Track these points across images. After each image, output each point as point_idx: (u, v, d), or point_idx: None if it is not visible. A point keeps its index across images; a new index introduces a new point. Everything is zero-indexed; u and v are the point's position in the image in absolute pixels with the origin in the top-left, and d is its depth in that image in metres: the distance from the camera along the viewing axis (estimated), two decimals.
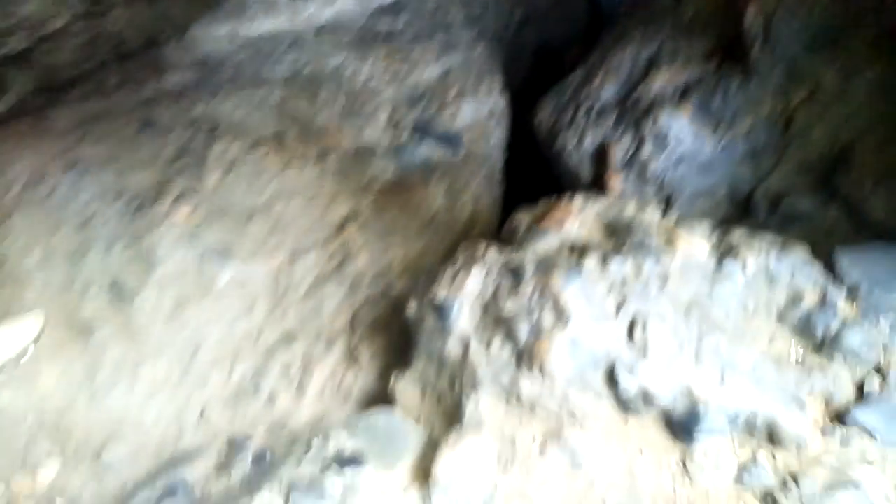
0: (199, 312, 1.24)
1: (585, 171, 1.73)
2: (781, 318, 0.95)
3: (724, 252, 0.97)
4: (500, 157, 1.83)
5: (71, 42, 1.25)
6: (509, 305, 0.92)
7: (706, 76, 1.59)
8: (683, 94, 1.58)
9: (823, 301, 0.95)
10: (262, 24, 2.01)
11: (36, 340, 1.18)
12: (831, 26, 1.40)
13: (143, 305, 1.22)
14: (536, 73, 2.69)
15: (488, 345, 0.93)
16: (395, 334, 1.16)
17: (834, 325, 0.92)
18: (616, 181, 1.61)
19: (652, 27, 1.74)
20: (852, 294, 0.97)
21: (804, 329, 0.94)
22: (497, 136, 1.86)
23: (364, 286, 1.30)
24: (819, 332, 0.93)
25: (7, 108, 1.31)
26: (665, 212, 1.08)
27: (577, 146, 1.73)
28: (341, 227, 1.39)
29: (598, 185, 1.68)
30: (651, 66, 1.66)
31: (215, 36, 1.94)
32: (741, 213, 1.51)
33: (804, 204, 1.36)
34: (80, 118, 1.54)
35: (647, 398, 0.88)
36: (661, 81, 1.62)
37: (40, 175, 1.36)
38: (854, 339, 0.91)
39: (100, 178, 1.37)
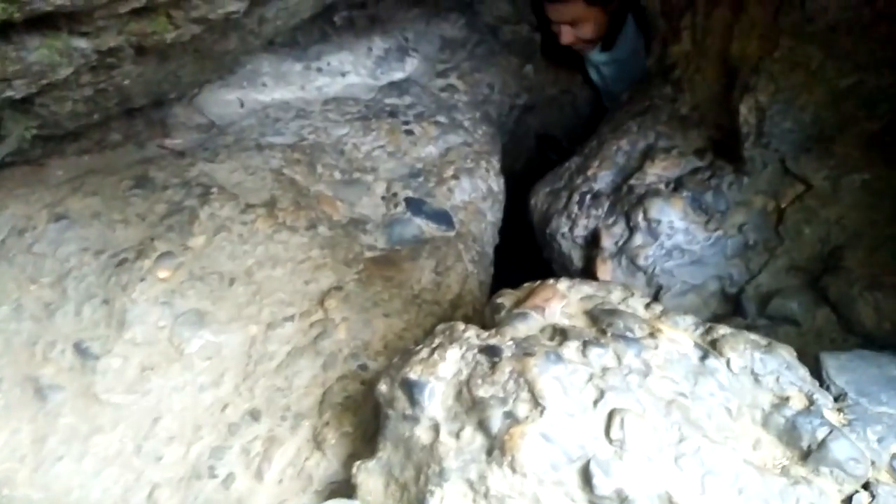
0: (164, 381, 1.20)
1: (577, 257, 1.73)
2: (766, 422, 0.91)
3: (708, 348, 0.94)
4: (492, 239, 1.83)
5: (76, 93, 1.26)
6: (483, 391, 0.88)
7: (700, 170, 1.60)
8: (677, 186, 1.59)
9: (810, 407, 0.91)
10: (273, 93, 2.06)
11: None
12: (823, 127, 1.42)
13: (107, 370, 1.18)
14: (537, 158, 2.74)
15: (459, 433, 0.88)
16: (366, 416, 1.11)
17: (820, 434, 0.88)
18: (605, 269, 1.60)
19: (648, 118, 1.77)
20: (839, 402, 0.93)
21: (790, 436, 0.90)
22: (491, 218, 1.87)
23: (339, 362, 1.26)
24: (805, 441, 0.88)
25: (4, 155, 1.31)
26: (652, 303, 1.05)
27: (570, 232, 1.73)
28: (323, 298, 1.36)
29: (588, 271, 1.67)
30: (646, 157, 1.68)
31: (225, 100, 1.98)
32: (731, 310, 1.48)
33: (793, 305, 1.34)
34: (76, 170, 1.55)
35: (623, 502, 0.83)
36: (655, 172, 1.63)
37: (25, 226, 1.35)
38: (841, 450, 0.87)
39: (85, 233, 1.36)
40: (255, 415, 1.18)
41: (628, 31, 2.29)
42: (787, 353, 0.96)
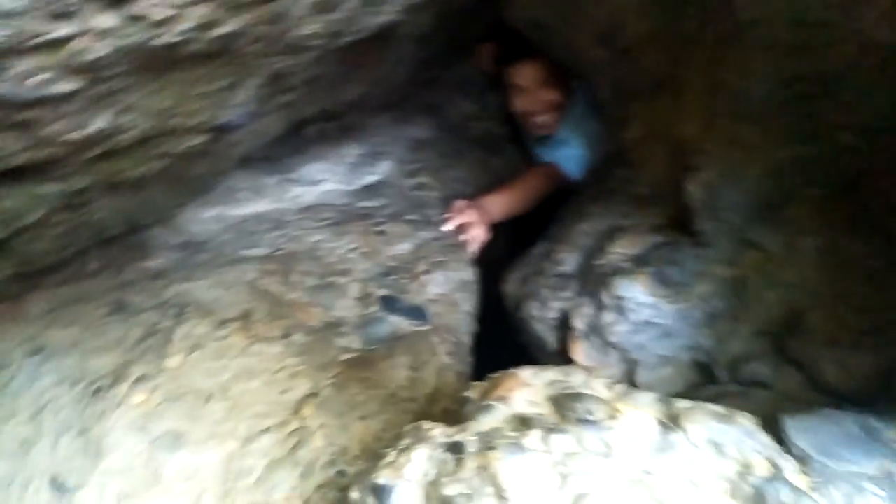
0: None
1: (551, 340, 1.75)
2: (734, 492, 0.91)
3: (669, 423, 0.95)
4: (468, 329, 1.85)
5: (50, 231, 1.31)
6: (450, 489, 0.89)
7: (661, 245, 1.66)
8: (640, 262, 1.64)
9: (774, 473, 0.91)
10: (249, 206, 2.13)
11: None
12: (770, 197, 1.48)
13: (84, 502, 1.17)
14: (515, 246, 2.81)
15: None
16: None
17: (787, 500, 0.88)
18: (579, 349, 1.62)
19: (609, 200, 1.84)
20: (803, 465, 0.94)
21: (756, 503, 0.89)
22: (466, 308, 1.90)
23: (317, 471, 1.25)
24: None
25: None
26: (614, 384, 1.07)
27: (542, 315, 1.76)
28: (299, 406, 1.37)
29: (563, 353, 1.69)
30: (608, 237, 1.74)
31: (203, 217, 2.04)
32: (705, 378, 1.50)
33: (762, 369, 1.36)
34: (55, 302, 1.58)
35: None
36: (618, 251, 1.68)
37: (2, 363, 1.38)
38: None
39: (62, 364, 1.38)
40: None
41: (575, 119, 2.40)
42: (746, 422, 0.98)
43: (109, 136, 1.03)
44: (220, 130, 1.20)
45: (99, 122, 0.97)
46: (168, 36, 0.87)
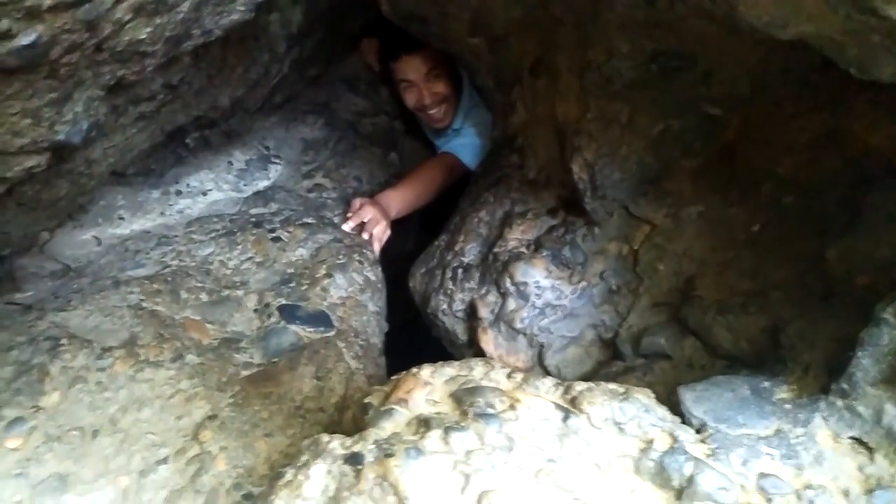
0: None
1: (460, 332, 1.74)
2: (637, 468, 0.92)
3: (569, 408, 0.95)
4: (376, 329, 1.81)
5: None
6: (352, 503, 0.85)
7: (555, 227, 1.68)
8: (536, 246, 1.66)
9: (674, 445, 0.93)
10: (131, 224, 1.99)
11: None
12: (649, 172, 1.53)
13: None
14: (425, 240, 2.79)
15: None
16: None
17: (687, 470, 0.90)
18: (487, 338, 1.61)
19: (502, 187, 1.85)
20: (701, 433, 0.96)
21: (661, 478, 0.91)
22: (373, 308, 1.86)
23: (222, 495, 1.18)
24: (675, 480, 0.90)
25: None
26: (512, 372, 1.06)
27: (449, 308, 1.75)
28: (197, 431, 1.29)
29: (473, 343, 1.68)
30: (504, 224, 1.74)
31: (80, 240, 1.89)
32: (611, 354, 1.53)
33: (661, 340, 1.39)
34: None
35: None
36: (515, 237, 1.69)
37: None
38: (709, 482, 0.89)
39: None
40: None
41: (467, 109, 2.40)
42: (643, 397, 0.99)
43: None
44: (62, 148, 1.09)
45: None
46: None
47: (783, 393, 1.05)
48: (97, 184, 1.58)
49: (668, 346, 1.39)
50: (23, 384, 1.31)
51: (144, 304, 1.57)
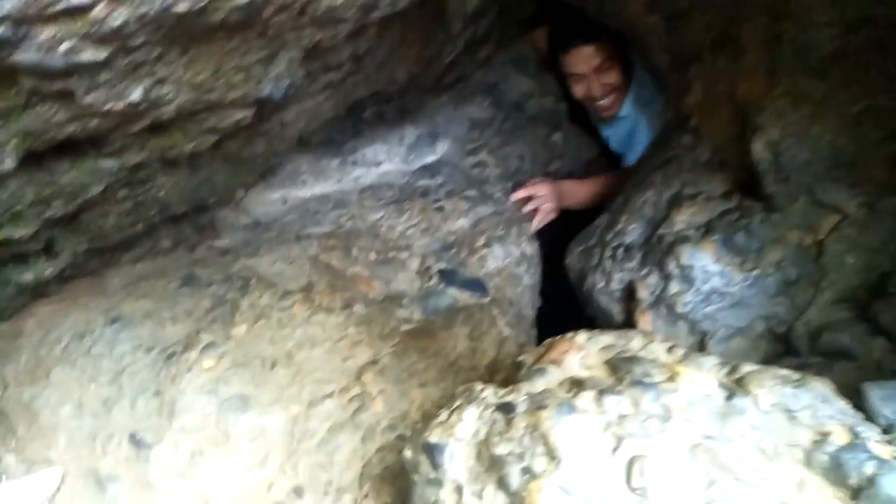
0: (213, 464, 1.24)
1: (616, 312, 1.70)
2: (809, 461, 0.85)
3: (734, 387, 0.91)
4: (530, 302, 1.83)
5: (116, 207, 1.37)
6: (501, 448, 0.88)
7: (728, 212, 1.58)
8: (707, 230, 1.57)
9: (854, 441, 0.85)
10: (313, 188, 2.18)
11: (52, 497, 1.20)
12: (844, 154, 1.39)
13: (159, 458, 1.23)
14: (575, 222, 2.76)
15: (481, 493, 0.87)
16: (404, 486, 1.10)
17: (869, 470, 0.82)
18: (646, 320, 1.56)
19: (671, 168, 1.77)
20: (888, 434, 0.87)
21: (836, 474, 0.84)
22: (527, 281, 1.88)
23: (378, 434, 1.27)
24: (853, 478, 0.82)
25: (61, 270, 1.43)
26: (673, 347, 1.02)
27: (606, 287, 1.72)
28: (360, 373, 1.39)
29: (630, 324, 1.64)
30: (672, 205, 1.67)
31: (269, 199, 2.11)
32: (782, 349, 1.42)
33: (846, 338, 1.27)
34: (131, 277, 1.67)
35: None
36: (683, 220, 1.61)
37: (84, 331, 1.46)
38: (894, 486, 0.80)
39: (137, 332, 1.46)
40: (298, 492, 1.20)
41: (637, 96, 2.32)
42: (821, 386, 0.91)
43: (149, 109, 1.07)
44: (264, 104, 1.22)
45: (135, 94, 1.00)
46: (186, 3, 0.89)
47: None
48: (287, 147, 1.75)
49: (853, 345, 1.26)
50: (218, 314, 1.50)
51: (321, 257, 1.72)
